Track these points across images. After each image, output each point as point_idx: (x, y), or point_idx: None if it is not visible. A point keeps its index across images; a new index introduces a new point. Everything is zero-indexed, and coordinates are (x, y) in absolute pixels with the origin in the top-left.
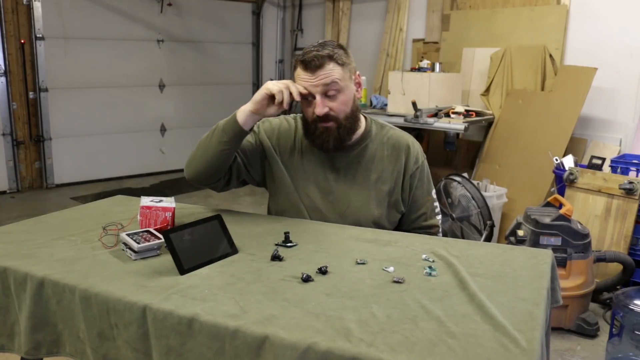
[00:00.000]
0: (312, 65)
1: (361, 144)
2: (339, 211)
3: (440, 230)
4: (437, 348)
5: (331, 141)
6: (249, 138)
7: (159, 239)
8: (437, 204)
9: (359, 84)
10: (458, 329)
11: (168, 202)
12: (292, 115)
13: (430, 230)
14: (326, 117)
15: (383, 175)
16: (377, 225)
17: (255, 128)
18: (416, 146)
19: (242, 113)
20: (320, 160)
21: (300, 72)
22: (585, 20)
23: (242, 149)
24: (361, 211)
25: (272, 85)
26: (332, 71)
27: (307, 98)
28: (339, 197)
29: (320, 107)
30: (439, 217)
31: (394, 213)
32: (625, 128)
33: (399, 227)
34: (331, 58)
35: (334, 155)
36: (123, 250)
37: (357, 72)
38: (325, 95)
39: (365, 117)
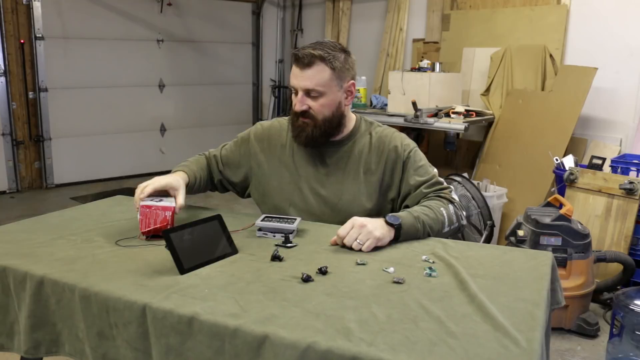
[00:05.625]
0: (302, 62)
1: (350, 140)
2: (330, 205)
3: (453, 191)
4: (437, 347)
5: (303, 137)
6: (234, 149)
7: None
8: (441, 179)
9: (350, 92)
10: (458, 329)
11: (168, 201)
12: (285, 117)
13: (439, 192)
14: (304, 114)
15: (371, 167)
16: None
17: (245, 135)
18: (404, 138)
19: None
20: (311, 156)
21: (293, 66)
22: (585, 20)
23: (225, 161)
24: (352, 204)
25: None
26: (319, 73)
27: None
28: (330, 191)
29: (298, 104)
30: (445, 183)
31: (386, 204)
32: (626, 128)
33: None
34: (322, 59)
35: (324, 151)
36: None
37: (353, 81)
38: (307, 93)
39: (355, 116)
